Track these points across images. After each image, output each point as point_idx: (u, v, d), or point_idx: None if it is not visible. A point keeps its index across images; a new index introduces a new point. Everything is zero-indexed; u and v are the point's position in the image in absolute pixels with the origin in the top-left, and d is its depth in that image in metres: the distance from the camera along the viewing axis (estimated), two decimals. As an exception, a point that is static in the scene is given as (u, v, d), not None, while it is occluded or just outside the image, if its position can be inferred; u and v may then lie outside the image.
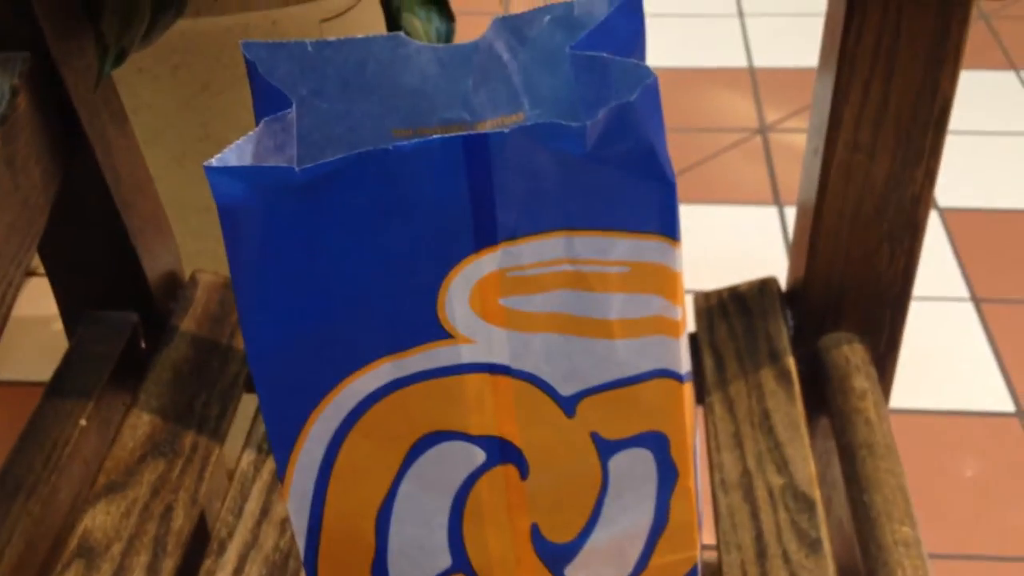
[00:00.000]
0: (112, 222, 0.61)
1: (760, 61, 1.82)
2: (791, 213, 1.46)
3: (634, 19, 0.39)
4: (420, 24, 0.67)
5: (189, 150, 0.78)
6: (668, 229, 0.36)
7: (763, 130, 1.65)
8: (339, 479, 0.38)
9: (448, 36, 0.68)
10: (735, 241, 1.38)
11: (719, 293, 0.67)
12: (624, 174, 0.35)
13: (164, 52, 0.75)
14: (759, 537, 0.53)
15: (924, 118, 0.55)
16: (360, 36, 0.38)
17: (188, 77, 0.77)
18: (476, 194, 0.33)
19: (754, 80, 1.77)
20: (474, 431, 0.38)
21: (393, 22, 0.67)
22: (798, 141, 1.62)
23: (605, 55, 0.36)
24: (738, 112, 1.69)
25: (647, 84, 0.33)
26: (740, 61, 1.82)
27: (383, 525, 0.40)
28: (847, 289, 0.62)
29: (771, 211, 1.47)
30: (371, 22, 0.76)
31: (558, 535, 0.41)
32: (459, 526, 0.40)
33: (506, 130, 0.32)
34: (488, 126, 0.41)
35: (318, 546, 0.40)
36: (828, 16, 0.56)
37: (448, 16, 0.68)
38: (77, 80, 0.59)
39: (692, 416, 0.42)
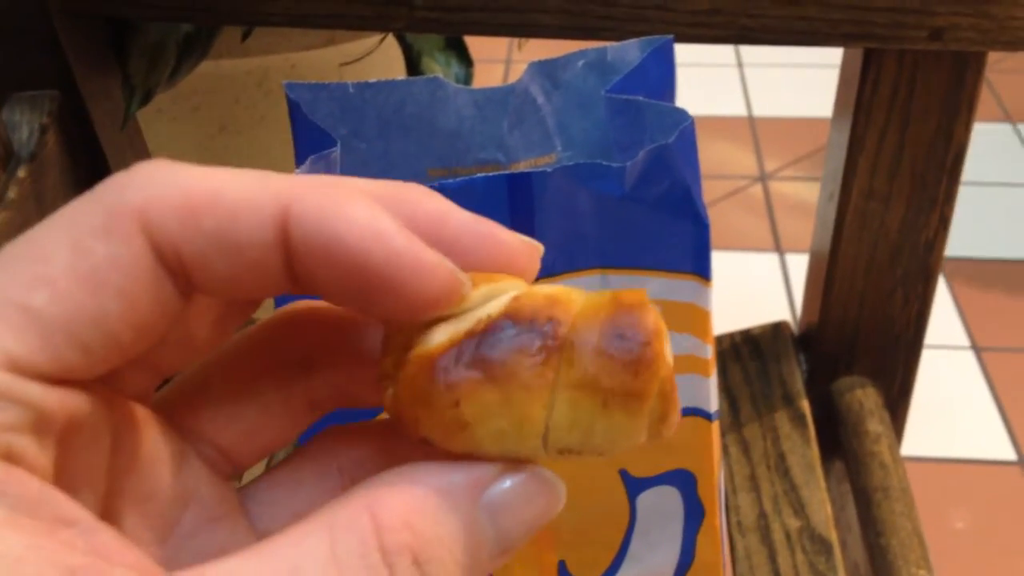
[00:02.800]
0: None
1: (759, 111, 1.84)
2: (791, 259, 1.48)
3: (666, 65, 0.40)
4: (440, 69, 0.68)
5: (206, 190, 0.78)
6: (701, 269, 0.37)
7: (763, 178, 1.66)
8: None
9: (467, 80, 0.69)
10: (737, 287, 1.39)
11: (731, 336, 0.67)
12: (660, 214, 0.35)
13: (184, 93, 0.76)
14: (777, 579, 0.53)
15: (938, 166, 0.56)
16: (400, 78, 0.39)
17: (207, 118, 0.78)
18: (517, 231, 0.34)
19: (753, 129, 1.79)
20: (506, 466, 0.39)
21: (413, 67, 0.69)
22: (797, 189, 1.64)
23: (640, 98, 0.37)
24: (738, 160, 1.71)
25: (684, 127, 0.34)
26: (740, 110, 1.84)
27: (413, 560, 0.40)
28: (860, 333, 0.62)
29: (772, 257, 1.48)
30: (391, 66, 0.77)
31: (585, 572, 0.42)
32: (488, 562, 0.40)
33: (548, 169, 0.33)
34: (521, 167, 0.42)
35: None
36: (843, 66, 0.58)
37: (467, 61, 0.69)
38: (104, 119, 0.60)
39: (719, 455, 0.42)
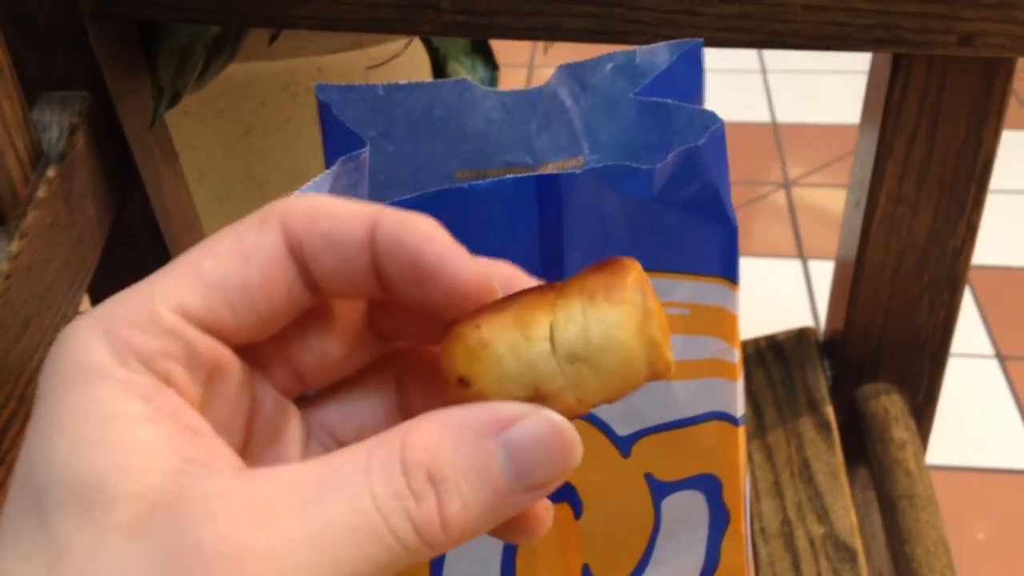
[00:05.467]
0: (162, 259, 0.62)
1: (783, 117, 1.84)
2: (814, 266, 1.47)
3: (694, 68, 0.40)
4: (465, 72, 0.68)
5: (232, 191, 0.79)
6: (729, 272, 0.37)
7: (786, 184, 1.66)
8: None
9: (492, 84, 0.69)
10: (760, 292, 1.38)
11: (756, 341, 0.67)
12: (688, 217, 0.35)
13: (211, 95, 0.76)
14: (800, 586, 0.53)
15: (967, 172, 0.55)
16: (429, 81, 0.39)
17: (233, 120, 0.78)
18: (545, 233, 0.34)
19: (777, 135, 1.79)
20: (532, 469, 0.39)
21: (439, 70, 0.69)
22: (820, 196, 1.63)
23: (670, 101, 0.37)
24: (761, 167, 1.70)
25: (714, 129, 0.34)
26: (764, 117, 1.84)
27: (438, 562, 0.40)
28: (886, 340, 0.62)
29: (795, 263, 1.48)
30: (417, 69, 0.78)
31: (609, 575, 0.42)
32: (512, 564, 0.40)
33: (577, 171, 0.33)
34: (549, 169, 0.42)
35: (372, 581, 0.40)
36: (872, 71, 0.57)
37: (492, 65, 0.69)
38: (132, 119, 0.60)
39: (745, 461, 0.42)
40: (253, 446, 0.26)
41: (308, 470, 0.21)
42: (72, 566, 0.20)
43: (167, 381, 0.22)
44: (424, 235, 0.23)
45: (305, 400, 0.28)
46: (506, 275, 0.26)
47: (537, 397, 0.22)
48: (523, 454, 0.22)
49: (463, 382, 0.23)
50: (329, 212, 0.24)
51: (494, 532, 0.26)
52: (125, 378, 0.22)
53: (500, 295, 0.25)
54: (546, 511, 0.26)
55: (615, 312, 0.22)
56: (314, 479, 0.21)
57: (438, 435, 0.21)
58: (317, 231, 0.24)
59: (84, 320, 0.23)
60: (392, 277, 0.24)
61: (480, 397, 0.23)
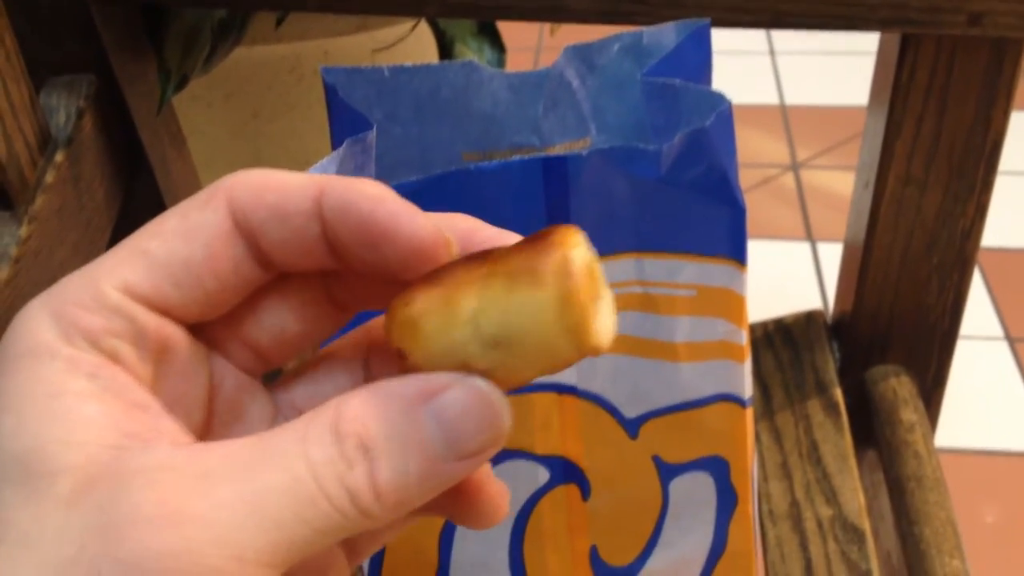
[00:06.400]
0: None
1: (791, 99, 1.83)
2: (823, 248, 1.47)
3: (702, 49, 0.40)
4: (472, 55, 0.68)
5: (239, 176, 0.79)
6: (737, 253, 0.37)
7: (794, 167, 1.65)
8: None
9: (499, 66, 0.69)
10: (768, 275, 1.38)
11: (764, 325, 0.67)
12: (696, 198, 0.35)
13: (217, 80, 0.76)
14: (808, 568, 0.53)
15: (976, 153, 0.55)
16: (435, 63, 0.39)
17: (240, 104, 0.78)
18: (552, 214, 0.34)
19: (785, 117, 1.78)
20: (539, 450, 0.39)
21: (446, 53, 0.69)
22: (829, 178, 1.63)
23: (677, 82, 0.36)
24: (769, 149, 1.70)
25: (721, 110, 0.34)
26: (772, 98, 1.83)
27: (446, 543, 0.40)
28: (895, 322, 0.62)
29: (804, 246, 1.47)
30: (423, 52, 0.77)
31: (617, 557, 0.42)
32: (520, 545, 0.40)
33: (583, 152, 0.33)
34: (556, 151, 0.41)
35: (381, 563, 0.40)
36: (880, 51, 0.57)
37: (499, 47, 0.69)
38: (140, 103, 0.60)
39: (753, 442, 0.42)
40: (216, 424, 0.26)
41: (248, 441, 0.22)
42: (16, 537, 0.20)
43: (114, 358, 0.23)
44: (373, 196, 0.23)
45: (274, 379, 0.28)
46: (462, 228, 0.26)
47: (468, 369, 0.23)
48: (452, 422, 0.22)
49: (400, 354, 0.23)
50: (274, 185, 0.24)
51: (450, 516, 0.27)
52: (71, 356, 0.22)
53: (457, 250, 0.24)
54: (501, 496, 0.27)
55: (535, 299, 0.22)
56: (252, 448, 0.21)
57: (370, 405, 0.22)
58: (263, 204, 0.24)
59: (34, 302, 0.23)
60: (344, 243, 0.24)
61: (416, 369, 0.23)
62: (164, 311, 0.24)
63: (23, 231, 0.49)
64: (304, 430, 0.22)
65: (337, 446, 0.21)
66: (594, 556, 0.41)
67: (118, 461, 0.21)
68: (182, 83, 0.61)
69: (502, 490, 0.27)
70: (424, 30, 0.74)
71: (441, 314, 0.22)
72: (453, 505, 0.26)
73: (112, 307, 0.23)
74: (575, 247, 0.22)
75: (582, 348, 0.22)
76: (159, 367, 0.24)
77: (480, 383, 0.22)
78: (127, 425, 0.22)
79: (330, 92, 0.37)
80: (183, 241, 0.23)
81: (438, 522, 0.40)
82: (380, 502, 0.22)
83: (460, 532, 0.40)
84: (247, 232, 0.24)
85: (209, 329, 0.25)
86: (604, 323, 0.22)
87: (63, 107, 0.55)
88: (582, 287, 0.22)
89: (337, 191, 0.23)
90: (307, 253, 0.24)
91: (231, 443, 0.22)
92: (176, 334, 0.24)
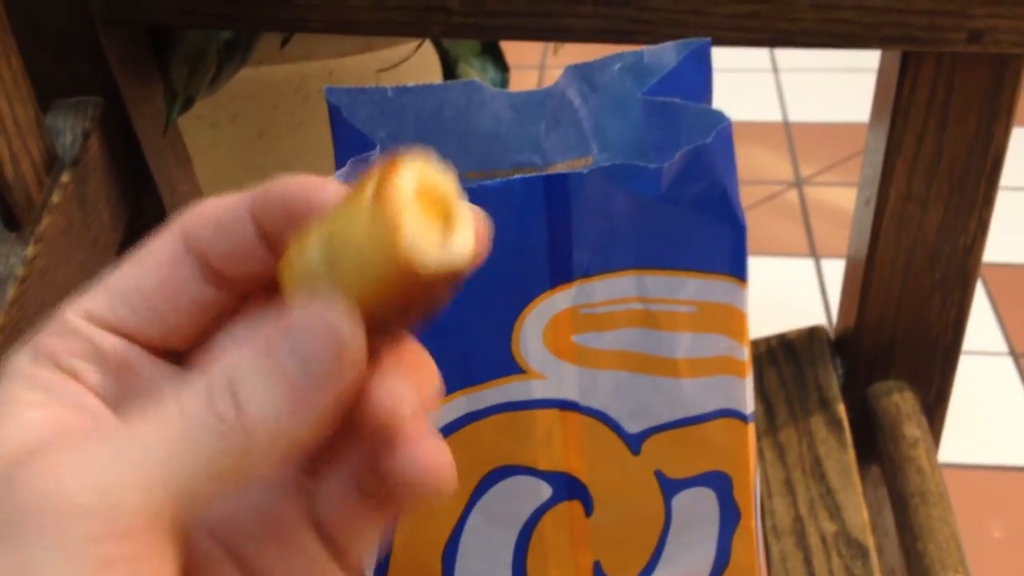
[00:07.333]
0: (175, 262, 0.62)
1: (795, 116, 1.83)
2: (827, 265, 1.47)
3: (702, 68, 0.40)
4: (476, 74, 0.69)
5: (244, 195, 0.79)
6: (737, 270, 0.37)
7: (798, 183, 1.66)
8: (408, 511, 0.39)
9: (503, 85, 0.69)
10: (773, 291, 1.38)
11: (767, 340, 0.67)
12: (697, 215, 0.36)
13: (223, 100, 0.77)
14: (813, 583, 0.53)
15: (977, 169, 0.55)
16: (438, 83, 0.40)
17: (245, 124, 0.79)
18: (554, 232, 0.34)
19: (789, 134, 1.79)
20: (542, 466, 0.39)
21: (449, 72, 0.69)
22: (833, 194, 1.63)
23: (677, 100, 0.37)
24: (773, 166, 1.70)
25: (721, 128, 0.34)
26: (775, 115, 1.84)
27: (450, 558, 0.40)
28: (898, 338, 0.62)
29: (807, 263, 1.47)
30: (427, 72, 0.78)
31: (620, 573, 0.42)
32: (523, 561, 0.41)
33: (585, 170, 0.34)
34: (558, 169, 0.42)
35: (386, 579, 0.40)
36: (881, 69, 0.57)
37: (503, 66, 0.69)
38: (146, 124, 0.60)
39: (755, 458, 0.42)
40: None
41: (135, 412, 0.23)
42: None
43: (73, 375, 0.25)
44: (287, 180, 0.25)
45: None
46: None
47: (315, 293, 0.23)
48: (301, 345, 0.23)
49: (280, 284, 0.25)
50: (216, 203, 0.26)
51: (394, 491, 0.26)
52: (32, 374, 0.25)
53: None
54: (438, 452, 0.25)
55: (351, 213, 0.22)
56: (136, 415, 0.23)
57: (240, 347, 0.23)
58: (206, 221, 0.26)
59: (27, 342, 0.26)
60: (276, 235, 0.25)
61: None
62: (125, 334, 0.26)
63: (29, 251, 0.49)
64: (183, 386, 0.23)
65: (207, 390, 0.23)
66: (597, 571, 0.41)
67: (39, 447, 0.23)
68: (188, 104, 0.62)
69: (447, 461, 0.26)
70: (428, 50, 0.75)
71: (297, 247, 0.24)
72: (388, 468, 0.25)
73: (72, 331, 0.25)
74: (407, 165, 0.22)
75: (397, 260, 0.22)
76: (122, 384, 0.26)
77: (320, 304, 0.23)
78: (62, 418, 0.24)
79: (334, 112, 0.38)
80: (136, 268, 0.26)
81: (442, 537, 0.40)
82: (252, 433, 0.22)
83: (463, 547, 0.40)
84: (197, 252, 0.26)
85: (190, 356, 0.27)
86: (430, 239, 0.22)
87: (69, 128, 0.56)
88: (395, 199, 0.21)
89: (261, 190, 0.25)
90: (252, 259, 0.26)
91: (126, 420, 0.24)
92: (138, 354, 0.26)
